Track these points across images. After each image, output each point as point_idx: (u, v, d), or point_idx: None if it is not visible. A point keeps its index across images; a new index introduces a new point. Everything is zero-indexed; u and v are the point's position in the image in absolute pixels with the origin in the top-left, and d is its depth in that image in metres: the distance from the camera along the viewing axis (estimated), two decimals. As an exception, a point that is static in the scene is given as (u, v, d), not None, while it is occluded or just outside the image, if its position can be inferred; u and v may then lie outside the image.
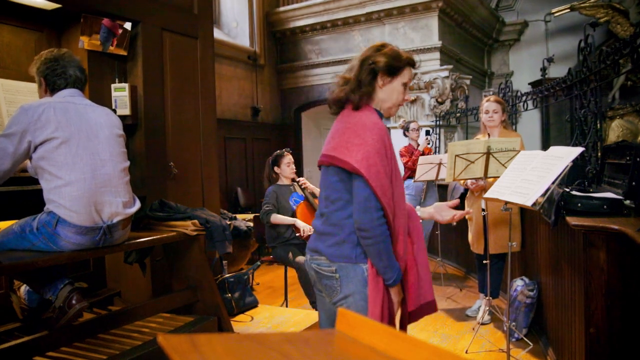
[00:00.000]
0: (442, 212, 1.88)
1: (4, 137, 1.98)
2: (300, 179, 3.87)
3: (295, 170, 3.81)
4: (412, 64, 1.73)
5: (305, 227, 3.60)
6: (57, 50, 2.22)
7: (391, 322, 1.69)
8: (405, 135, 5.24)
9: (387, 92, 1.69)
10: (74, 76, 2.18)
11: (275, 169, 3.78)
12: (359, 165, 1.54)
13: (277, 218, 3.62)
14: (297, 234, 3.62)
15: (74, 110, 2.10)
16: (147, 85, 3.24)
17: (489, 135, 3.51)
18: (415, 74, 6.65)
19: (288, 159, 3.76)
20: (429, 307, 1.79)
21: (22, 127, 1.97)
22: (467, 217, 3.71)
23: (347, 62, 1.76)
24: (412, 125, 5.12)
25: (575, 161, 2.39)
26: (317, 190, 3.92)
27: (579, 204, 2.17)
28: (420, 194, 4.95)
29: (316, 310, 3.53)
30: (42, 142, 1.99)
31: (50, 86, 2.16)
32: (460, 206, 4.47)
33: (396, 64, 1.68)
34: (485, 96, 3.82)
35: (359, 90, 1.66)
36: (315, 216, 1.78)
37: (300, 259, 3.60)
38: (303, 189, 3.84)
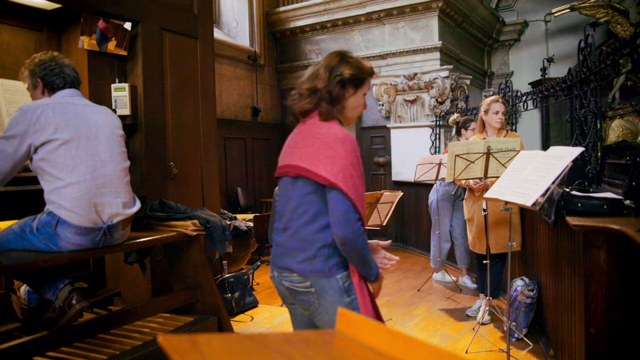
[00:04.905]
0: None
1: (3, 139, 1.97)
2: None
3: None
4: (372, 74, 1.72)
5: None
6: (50, 53, 2.21)
7: (380, 316, 1.69)
8: (458, 133, 4.76)
9: (352, 103, 1.67)
10: (72, 76, 2.18)
11: None
12: (336, 179, 1.50)
13: None
14: None
15: (73, 110, 2.09)
16: (147, 85, 3.25)
17: (487, 134, 3.53)
18: (415, 73, 6.65)
19: None
20: None
21: (21, 130, 1.96)
22: (467, 217, 3.71)
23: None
24: (472, 125, 4.63)
25: (575, 161, 2.39)
26: None
27: (579, 204, 2.17)
28: (452, 197, 4.79)
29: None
30: (42, 144, 1.99)
31: (49, 86, 2.14)
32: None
33: (360, 75, 1.67)
34: (486, 96, 3.83)
35: (331, 102, 1.62)
36: (274, 229, 1.71)
37: None
38: None
